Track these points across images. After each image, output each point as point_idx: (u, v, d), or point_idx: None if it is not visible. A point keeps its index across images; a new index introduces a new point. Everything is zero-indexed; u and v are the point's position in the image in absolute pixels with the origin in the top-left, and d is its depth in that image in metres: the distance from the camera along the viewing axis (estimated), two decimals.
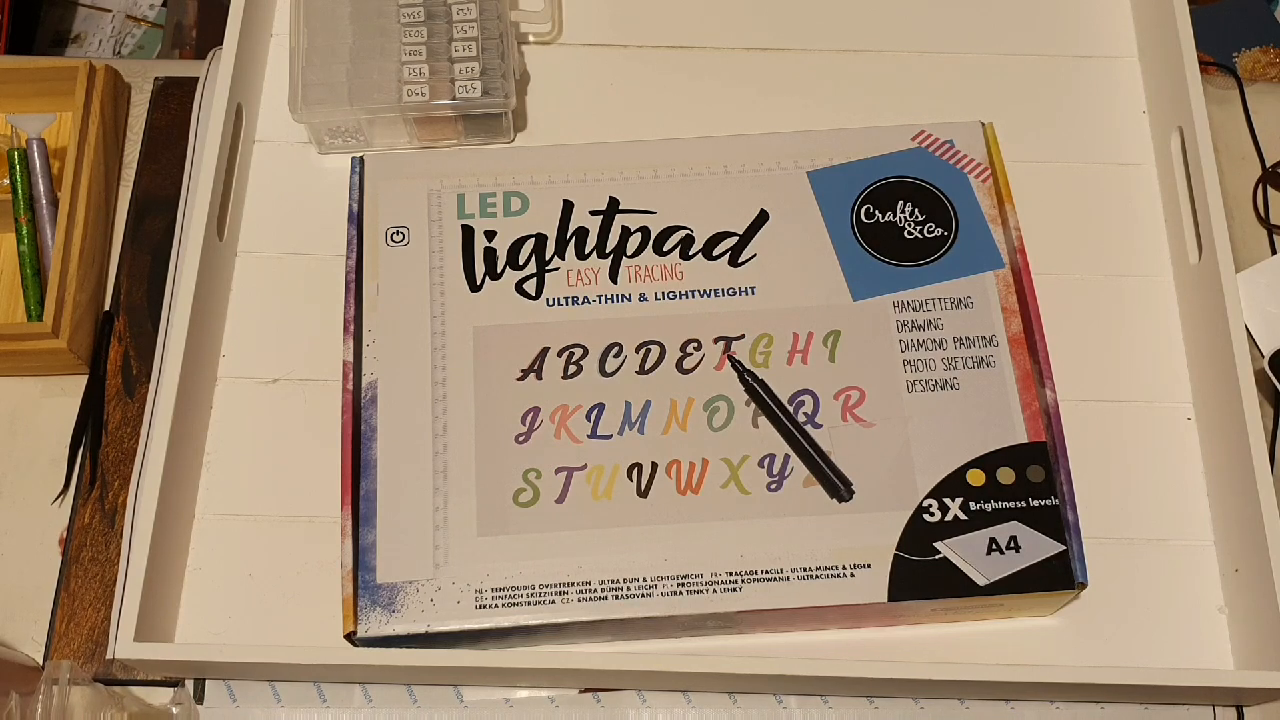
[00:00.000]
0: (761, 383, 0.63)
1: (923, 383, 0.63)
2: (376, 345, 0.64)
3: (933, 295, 0.65)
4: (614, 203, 0.67)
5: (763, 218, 0.67)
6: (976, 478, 0.61)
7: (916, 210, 0.67)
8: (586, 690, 0.62)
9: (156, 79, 0.77)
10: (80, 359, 0.69)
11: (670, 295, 0.65)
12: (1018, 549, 0.59)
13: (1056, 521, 0.60)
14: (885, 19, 0.78)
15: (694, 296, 0.65)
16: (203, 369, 0.66)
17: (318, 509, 0.64)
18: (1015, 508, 0.60)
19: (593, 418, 0.62)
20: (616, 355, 0.64)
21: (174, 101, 0.76)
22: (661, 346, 0.64)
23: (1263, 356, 0.68)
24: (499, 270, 0.66)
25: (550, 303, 0.65)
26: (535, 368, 0.63)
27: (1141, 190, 0.73)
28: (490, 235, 0.67)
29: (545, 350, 0.64)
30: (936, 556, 0.59)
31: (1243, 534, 0.61)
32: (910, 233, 0.67)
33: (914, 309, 0.65)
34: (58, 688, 0.57)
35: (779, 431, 0.62)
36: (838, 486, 0.61)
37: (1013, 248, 0.66)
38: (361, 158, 0.69)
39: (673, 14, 0.78)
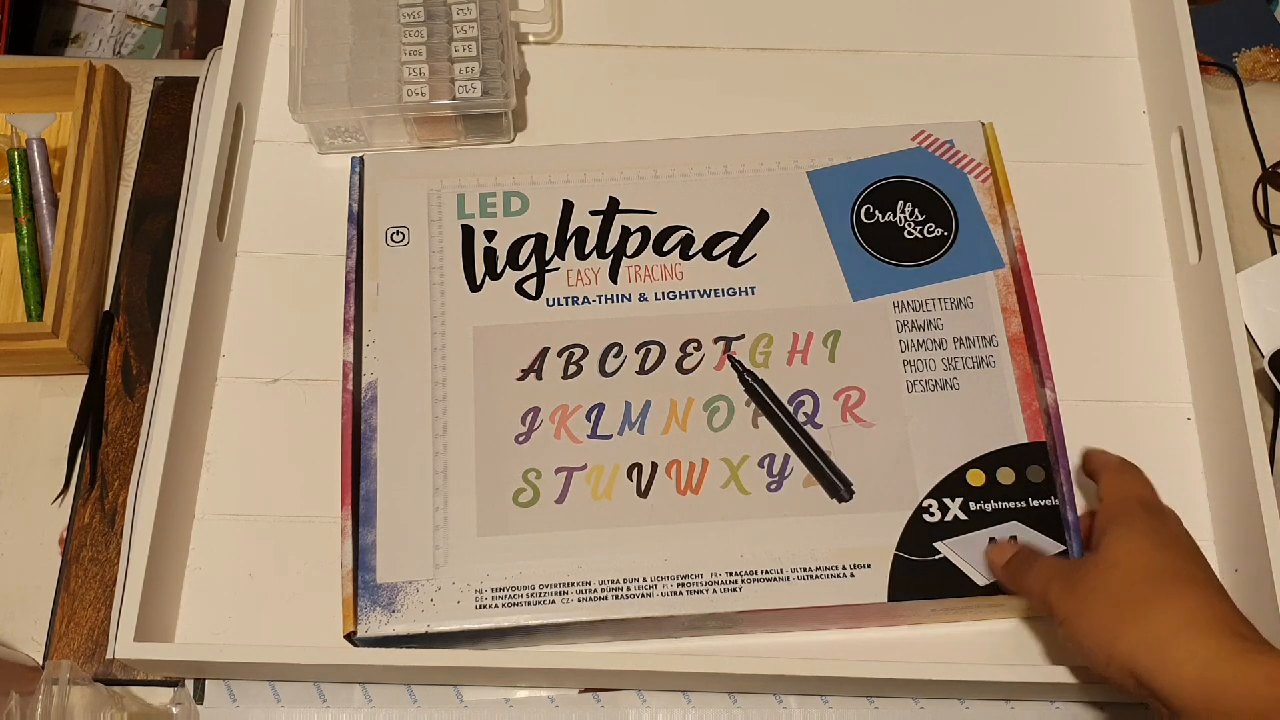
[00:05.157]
0: (761, 383, 0.63)
1: (923, 383, 0.63)
2: (376, 345, 0.64)
3: (933, 295, 0.65)
4: (614, 203, 0.67)
5: (763, 218, 0.67)
6: (976, 478, 0.61)
7: (916, 210, 0.67)
8: (586, 690, 0.62)
9: (156, 79, 0.77)
10: (80, 359, 0.69)
11: (670, 295, 0.65)
12: None
13: (1056, 521, 0.60)
14: (885, 19, 0.78)
15: (694, 296, 0.65)
16: (203, 369, 0.66)
17: (318, 509, 0.64)
18: (1015, 508, 0.60)
19: (593, 418, 0.62)
20: (616, 355, 0.64)
21: (174, 101, 0.76)
22: (661, 346, 0.64)
23: (1262, 356, 0.68)
24: (499, 270, 0.66)
25: (550, 303, 0.65)
26: (535, 368, 0.63)
27: (1141, 190, 0.73)
28: (490, 235, 0.67)
29: (545, 350, 0.64)
30: (936, 556, 0.59)
31: (1242, 534, 0.61)
32: (910, 233, 0.67)
33: (914, 309, 0.65)
34: (58, 687, 0.57)
35: (779, 431, 0.62)
36: (838, 486, 0.61)
37: (1013, 248, 0.66)
38: (361, 158, 0.69)
39: (673, 14, 0.78)
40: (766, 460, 0.61)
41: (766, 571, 0.59)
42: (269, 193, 0.73)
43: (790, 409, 0.62)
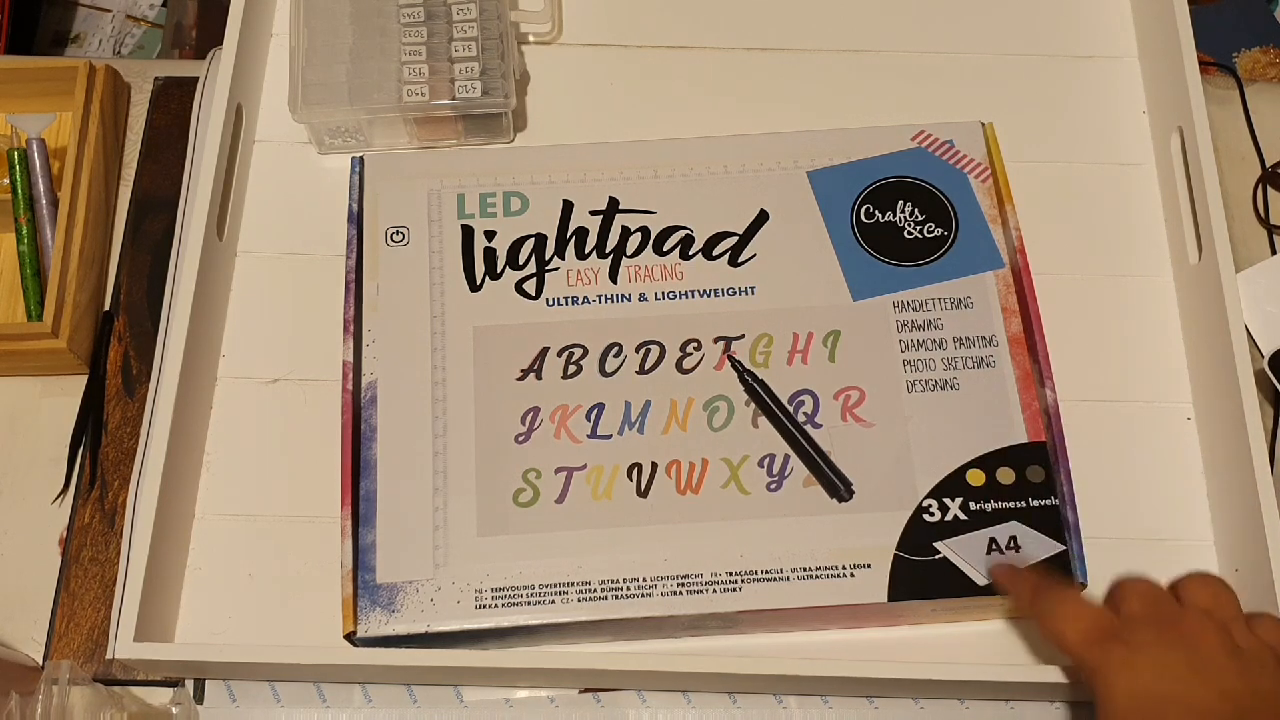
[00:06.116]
0: (761, 383, 0.63)
1: (923, 383, 0.63)
2: (376, 345, 0.64)
3: (933, 295, 0.65)
4: (614, 203, 0.67)
5: (763, 218, 0.67)
6: (976, 478, 0.61)
7: (916, 210, 0.67)
8: (586, 690, 0.62)
9: (156, 79, 0.77)
10: (80, 359, 0.69)
11: (670, 295, 0.65)
12: (1018, 549, 0.59)
13: (1056, 521, 0.60)
14: (885, 19, 0.78)
15: (694, 296, 0.65)
16: (203, 369, 0.66)
17: (318, 509, 0.64)
18: (1015, 508, 0.60)
19: (593, 418, 0.62)
20: (616, 355, 0.64)
21: (174, 101, 0.76)
22: (661, 346, 0.64)
23: (1262, 356, 0.68)
24: (499, 270, 0.66)
25: (550, 302, 0.65)
26: (535, 367, 0.63)
27: (1141, 190, 0.73)
28: (490, 235, 0.67)
29: (545, 350, 0.64)
30: (936, 556, 0.59)
31: (1242, 534, 0.61)
32: (910, 233, 0.67)
33: (914, 309, 0.65)
34: (57, 687, 0.57)
35: (779, 431, 0.62)
36: (837, 486, 0.61)
37: (1013, 248, 0.66)
38: (361, 158, 0.69)
39: (673, 14, 0.78)
40: (766, 460, 0.61)
41: (766, 571, 0.59)
42: (269, 193, 0.72)
43: (790, 409, 0.62)
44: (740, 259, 0.66)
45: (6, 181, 0.72)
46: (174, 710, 0.61)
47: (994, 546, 0.59)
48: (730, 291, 0.65)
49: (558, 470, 0.61)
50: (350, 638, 0.58)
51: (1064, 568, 0.59)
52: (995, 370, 0.63)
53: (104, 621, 0.64)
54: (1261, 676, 0.48)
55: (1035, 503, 0.60)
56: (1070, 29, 0.77)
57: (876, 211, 0.67)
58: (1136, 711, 0.48)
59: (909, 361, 0.64)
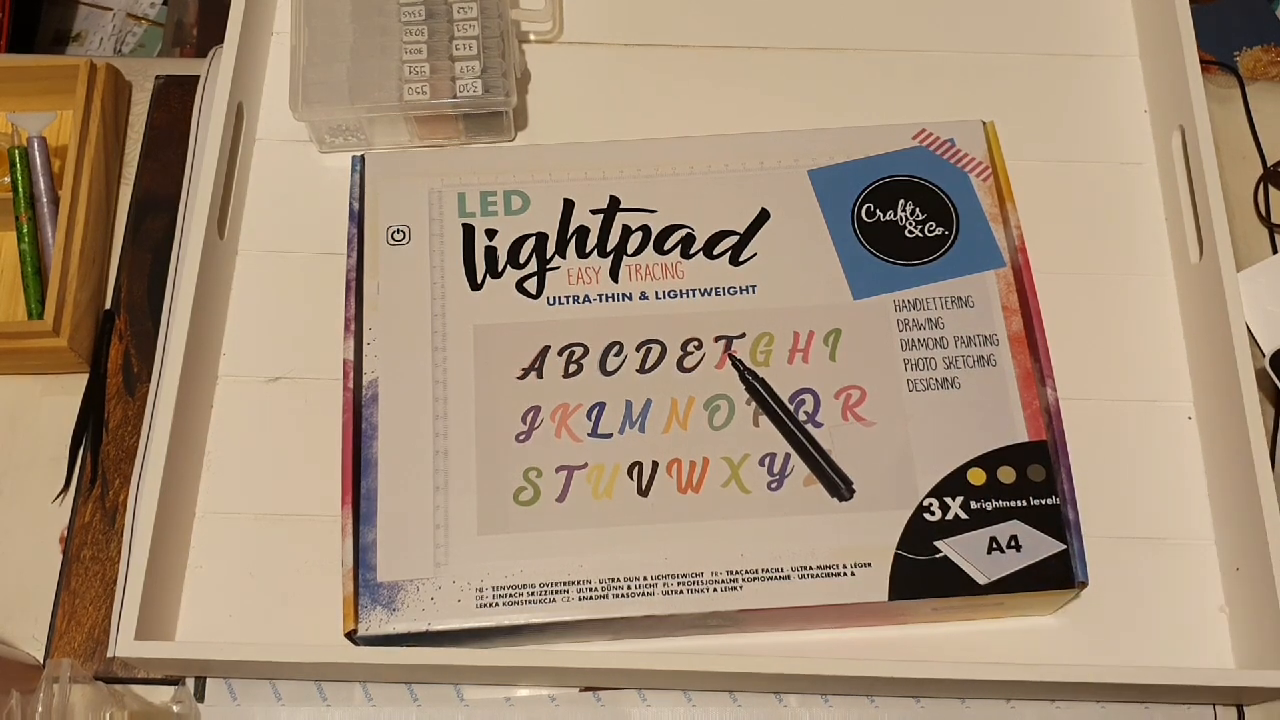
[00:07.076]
0: (762, 381, 0.63)
1: (923, 382, 0.63)
2: (377, 344, 0.64)
3: (933, 294, 0.65)
4: (615, 201, 0.67)
5: (763, 216, 0.67)
6: (977, 477, 0.61)
7: (917, 209, 0.67)
8: (587, 689, 0.62)
9: (157, 77, 0.77)
10: (81, 357, 0.69)
11: (671, 294, 0.65)
12: (1018, 548, 0.59)
13: (1057, 520, 0.60)
14: (887, 18, 0.78)
15: (695, 295, 0.65)
16: (203, 368, 0.66)
17: (318, 508, 0.64)
18: (1016, 507, 0.60)
19: (593, 416, 0.62)
20: (617, 354, 0.64)
21: (175, 100, 0.76)
22: (662, 345, 0.64)
23: (1263, 355, 0.68)
24: (500, 269, 0.66)
25: (551, 301, 0.65)
26: (536, 366, 0.63)
27: (1142, 189, 0.73)
28: (491, 234, 0.67)
29: (546, 349, 0.64)
30: (937, 555, 0.59)
31: (1243, 533, 0.61)
32: (911, 231, 0.67)
33: (915, 308, 0.65)
34: (58, 686, 0.57)
35: (779, 430, 0.62)
36: (838, 485, 0.61)
37: (1013, 246, 0.66)
38: (362, 156, 0.69)
39: (673, 13, 0.78)
40: (767, 459, 0.61)
41: (767, 570, 0.59)
42: (270, 191, 0.73)
43: (791, 408, 0.62)
44: (741, 258, 0.66)
45: (7, 180, 0.72)
46: (175, 708, 0.61)
47: (995, 545, 0.59)
48: (731, 290, 0.65)
49: (558, 469, 0.61)
50: (351, 636, 0.58)
51: (1064, 567, 0.59)
52: (996, 369, 0.63)
53: (105, 620, 0.64)
54: None
55: (1036, 502, 0.60)
56: (1071, 28, 0.77)
57: (877, 210, 0.67)
58: None
59: (910, 360, 0.64)
